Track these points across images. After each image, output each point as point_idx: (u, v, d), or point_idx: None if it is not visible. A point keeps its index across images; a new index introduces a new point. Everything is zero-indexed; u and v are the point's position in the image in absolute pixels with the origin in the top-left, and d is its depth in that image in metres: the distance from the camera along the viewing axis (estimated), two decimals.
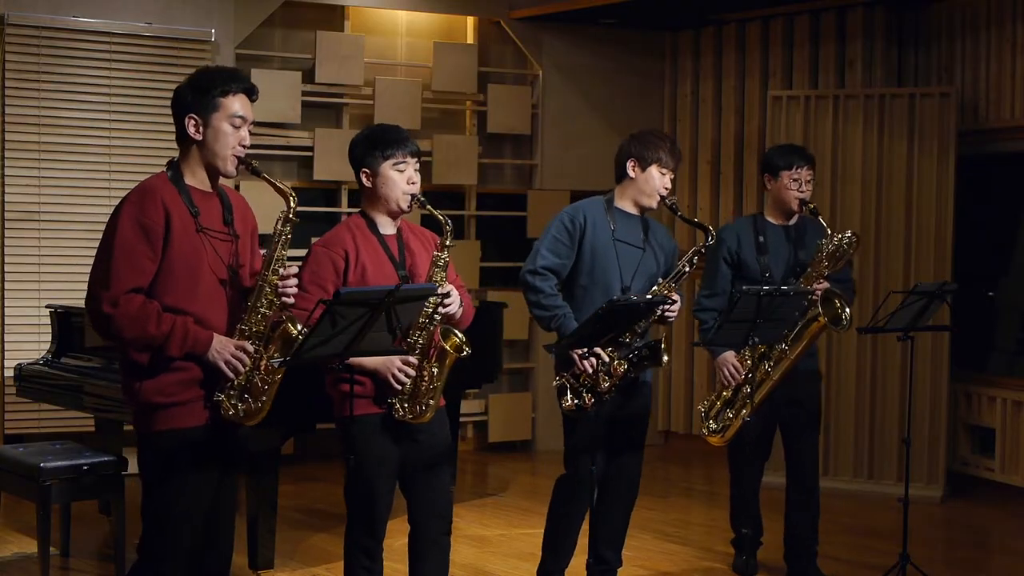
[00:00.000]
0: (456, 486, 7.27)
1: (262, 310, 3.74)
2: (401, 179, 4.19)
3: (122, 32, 7.38)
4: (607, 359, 4.69)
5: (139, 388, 3.68)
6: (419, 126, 8.36)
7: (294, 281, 3.79)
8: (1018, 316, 7.71)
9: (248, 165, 3.77)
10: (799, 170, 5.39)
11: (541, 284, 4.83)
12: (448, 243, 4.20)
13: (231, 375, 3.68)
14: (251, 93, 3.80)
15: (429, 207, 4.22)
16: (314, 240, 4.41)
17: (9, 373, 6.75)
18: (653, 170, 4.88)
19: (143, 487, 3.78)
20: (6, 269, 7.16)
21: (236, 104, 3.74)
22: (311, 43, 8.12)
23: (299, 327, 3.72)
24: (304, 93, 8.03)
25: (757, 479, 5.65)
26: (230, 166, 3.76)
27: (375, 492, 4.18)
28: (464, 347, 4.17)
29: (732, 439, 5.30)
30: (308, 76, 8.10)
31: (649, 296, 4.74)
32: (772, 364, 5.24)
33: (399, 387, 4.13)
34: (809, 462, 5.55)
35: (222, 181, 3.86)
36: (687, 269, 4.82)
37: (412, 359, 4.13)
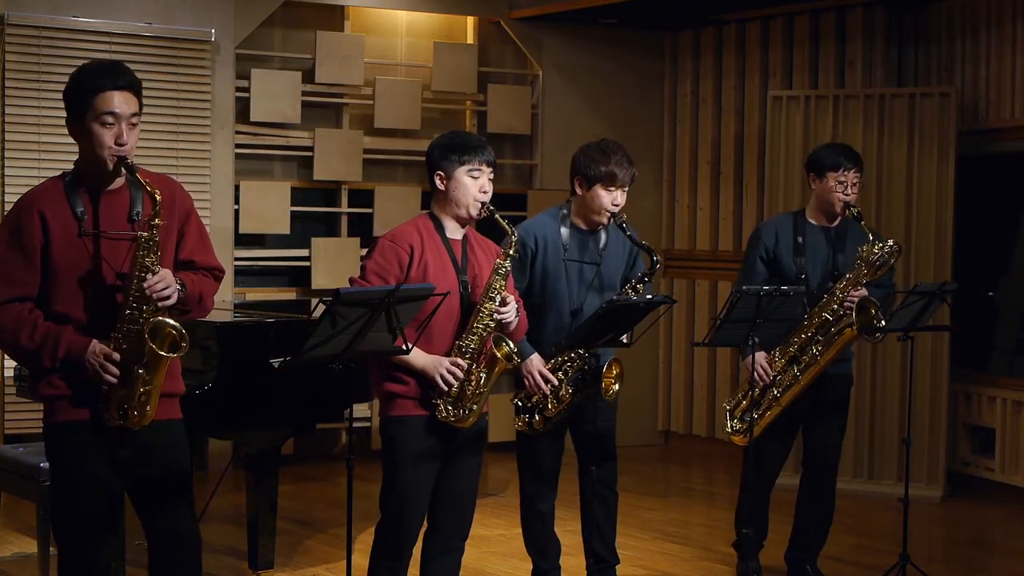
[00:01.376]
0: None
1: (131, 317, 3.61)
2: (474, 185, 4.21)
3: (122, 32, 7.37)
4: (556, 383, 4.74)
5: (36, 381, 3.69)
6: (419, 126, 8.36)
7: (165, 283, 3.60)
8: (1018, 316, 7.71)
9: (125, 164, 3.63)
10: (846, 172, 5.27)
11: None
12: (512, 252, 4.23)
13: (101, 386, 3.60)
14: (131, 88, 3.65)
15: (498, 216, 4.25)
16: (380, 234, 4.38)
17: (9, 373, 6.75)
18: (598, 189, 4.81)
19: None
20: None
21: (109, 102, 3.59)
22: (311, 43, 8.12)
23: (172, 328, 3.57)
24: (304, 93, 8.03)
25: (770, 482, 5.58)
26: (108, 164, 3.63)
27: (411, 495, 4.18)
28: (514, 356, 4.17)
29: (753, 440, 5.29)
30: (308, 76, 8.10)
31: (649, 296, 4.75)
32: (801, 369, 5.22)
33: (445, 388, 4.13)
34: (829, 464, 5.51)
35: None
36: (634, 297, 4.78)
37: (461, 361, 4.14)
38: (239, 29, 7.75)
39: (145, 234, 3.60)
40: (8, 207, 7.09)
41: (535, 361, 4.75)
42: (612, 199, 4.81)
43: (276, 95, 7.92)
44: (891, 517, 6.36)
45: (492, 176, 4.27)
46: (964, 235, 7.57)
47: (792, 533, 5.60)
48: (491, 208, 4.24)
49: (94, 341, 3.61)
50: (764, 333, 4.95)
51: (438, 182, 4.25)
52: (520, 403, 4.84)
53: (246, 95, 7.85)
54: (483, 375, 4.17)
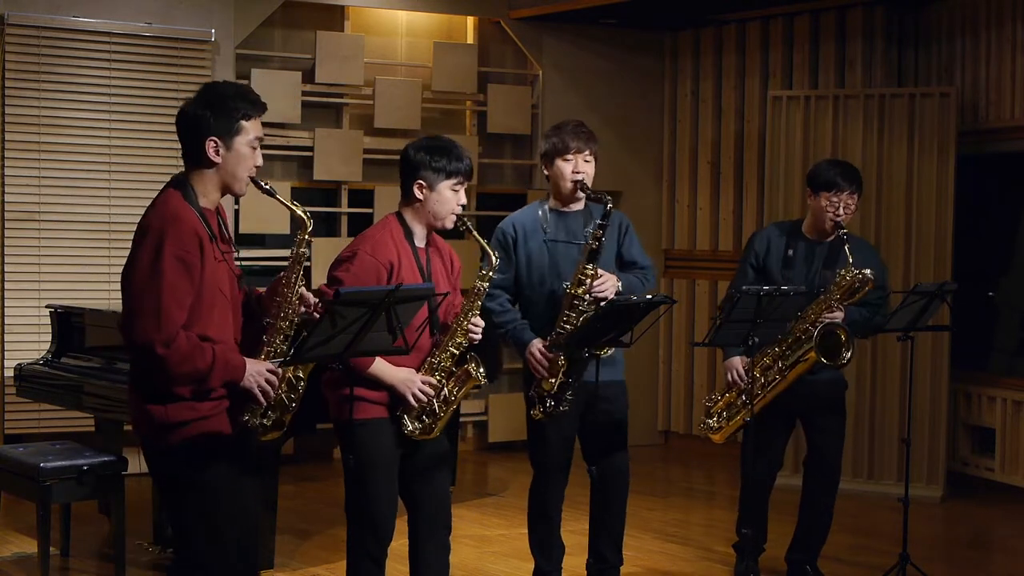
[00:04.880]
0: (456, 486, 7.27)
1: (283, 329, 3.74)
2: (454, 199, 4.23)
3: (122, 32, 7.38)
4: (550, 359, 4.77)
5: (162, 406, 3.60)
6: (419, 126, 8.36)
7: (310, 299, 3.79)
8: (1018, 316, 7.71)
9: (260, 187, 3.75)
10: (839, 194, 5.22)
11: (490, 304, 4.84)
12: (492, 275, 4.26)
13: (263, 401, 3.67)
14: (263, 112, 3.78)
15: (475, 233, 4.26)
16: (354, 239, 4.36)
17: (9, 373, 6.75)
18: (558, 162, 4.89)
19: (172, 498, 3.69)
20: (6, 269, 7.16)
21: (257, 128, 3.71)
22: (311, 43, 8.12)
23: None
24: (304, 93, 8.04)
25: (767, 487, 5.56)
26: (244, 187, 3.73)
27: (380, 496, 4.18)
28: (481, 377, 4.20)
29: (742, 442, 5.31)
30: (308, 76, 8.11)
31: (649, 296, 4.76)
32: (768, 382, 5.20)
33: (415, 406, 4.14)
34: (831, 468, 5.51)
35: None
36: (595, 245, 4.76)
37: (433, 380, 4.15)
38: (239, 29, 7.75)
39: (304, 251, 3.73)
40: (8, 207, 7.12)
41: (535, 344, 4.81)
42: (572, 167, 4.87)
43: (276, 95, 7.89)
44: (891, 517, 6.36)
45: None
46: (964, 235, 7.57)
47: (794, 534, 5.60)
48: (468, 226, 4.25)
49: (248, 360, 3.66)
50: (764, 333, 4.95)
51: (417, 191, 4.22)
52: (535, 394, 4.86)
53: None
54: (455, 392, 4.18)
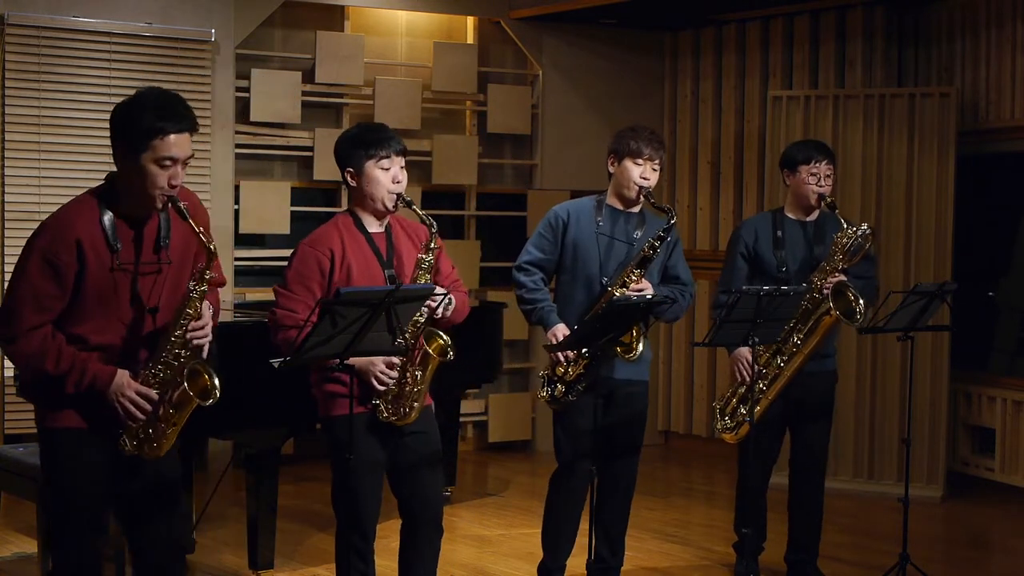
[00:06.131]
0: (456, 486, 7.28)
1: (167, 360, 3.59)
2: (386, 178, 4.19)
3: (122, 32, 7.37)
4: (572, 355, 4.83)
5: (33, 386, 3.67)
6: (419, 126, 8.36)
7: (206, 330, 3.63)
8: (1018, 316, 7.71)
9: (175, 207, 3.54)
10: (818, 164, 5.37)
11: (524, 279, 4.98)
12: (432, 245, 4.20)
13: (128, 421, 3.58)
14: (192, 130, 3.56)
15: (414, 207, 4.22)
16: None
17: (9, 373, 6.75)
18: (627, 163, 4.94)
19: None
20: (6, 269, 7.15)
21: (170, 147, 3.50)
22: (311, 43, 8.12)
23: (207, 375, 3.57)
24: (304, 93, 8.03)
25: (764, 482, 5.58)
26: (158, 203, 3.55)
27: (362, 492, 4.18)
28: (448, 350, 4.13)
29: (741, 442, 5.32)
30: (308, 76, 8.10)
31: (649, 296, 4.76)
32: (785, 359, 5.24)
33: (381, 388, 4.12)
34: (817, 464, 5.52)
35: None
36: (651, 254, 4.86)
37: (395, 360, 4.13)
38: (239, 29, 7.75)
39: (197, 285, 3.57)
40: (8, 207, 7.12)
41: (559, 328, 4.86)
42: (640, 172, 4.92)
43: (276, 95, 7.92)
44: (891, 517, 6.36)
45: (404, 165, 4.24)
46: (964, 235, 7.57)
47: (789, 534, 5.60)
48: (407, 200, 4.21)
49: (121, 374, 3.57)
50: (764, 333, 4.96)
51: (349, 179, 4.22)
52: (546, 375, 4.93)
53: (246, 95, 7.85)
54: (418, 373, 4.15)
